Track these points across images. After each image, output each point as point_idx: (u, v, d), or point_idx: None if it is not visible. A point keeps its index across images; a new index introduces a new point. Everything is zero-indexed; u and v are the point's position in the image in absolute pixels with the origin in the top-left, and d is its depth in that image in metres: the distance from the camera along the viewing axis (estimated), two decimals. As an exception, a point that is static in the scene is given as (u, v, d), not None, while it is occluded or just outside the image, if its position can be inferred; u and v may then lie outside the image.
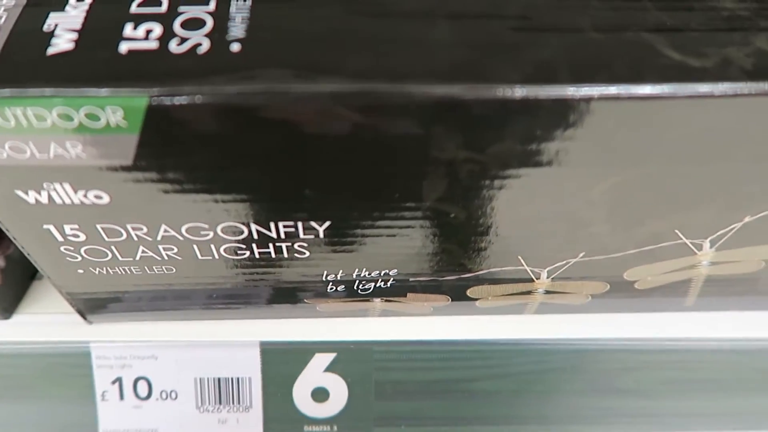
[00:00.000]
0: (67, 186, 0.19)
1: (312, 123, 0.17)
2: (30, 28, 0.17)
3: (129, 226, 0.21)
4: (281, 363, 0.28)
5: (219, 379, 0.28)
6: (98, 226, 0.20)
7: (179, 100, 0.16)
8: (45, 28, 0.17)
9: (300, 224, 0.21)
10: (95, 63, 0.16)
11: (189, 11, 0.18)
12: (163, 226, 0.21)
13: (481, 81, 0.16)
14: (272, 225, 0.21)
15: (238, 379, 0.28)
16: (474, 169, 0.19)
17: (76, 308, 0.26)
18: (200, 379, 0.28)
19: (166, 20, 0.18)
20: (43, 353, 0.27)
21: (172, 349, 0.28)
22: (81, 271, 0.23)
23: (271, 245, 0.22)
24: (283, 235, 0.21)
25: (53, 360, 0.27)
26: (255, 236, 0.21)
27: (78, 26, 0.17)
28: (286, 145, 0.17)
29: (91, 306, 0.26)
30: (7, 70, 0.16)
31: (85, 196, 0.19)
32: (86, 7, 0.18)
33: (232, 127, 0.17)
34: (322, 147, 0.18)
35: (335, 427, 0.28)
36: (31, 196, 0.19)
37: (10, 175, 0.18)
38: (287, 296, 0.25)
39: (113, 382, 0.28)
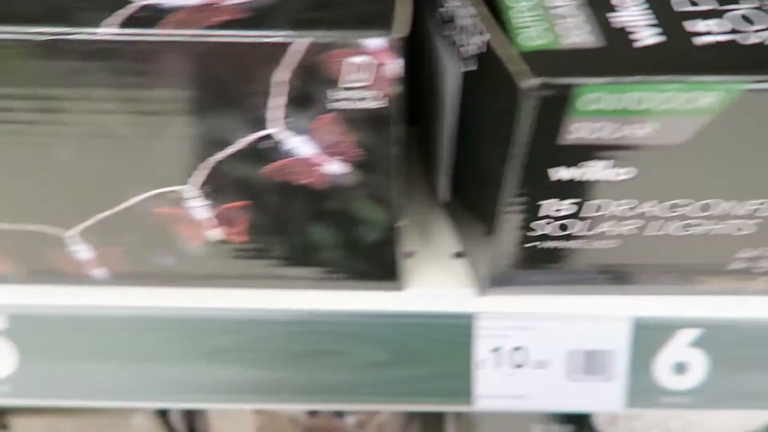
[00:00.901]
0: (609, 163, 0.21)
1: None
2: (600, 25, 0.20)
3: (618, 202, 0.23)
4: (647, 337, 0.30)
5: (589, 351, 0.30)
6: (590, 202, 0.23)
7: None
8: (612, 24, 0.20)
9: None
10: (692, 54, 0.19)
11: (736, 8, 0.20)
12: (650, 202, 0.23)
13: None
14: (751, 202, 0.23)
15: (606, 351, 0.30)
16: None
17: (482, 282, 0.28)
18: (571, 350, 0.30)
19: (715, 17, 0.20)
20: (430, 324, 0.30)
21: (548, 322, 0.30)
22: (528, 244, 0.25)
23: (728, 221, 0.24)
24: (750, 212, 0.23)
25: (439, 330, 0.30)
26: (720, 214, 0.23)
27: (647, 23, 0.20)
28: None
29: (498, 280, 0.28)
30: (610, 62, 0.19)
31: (616, 173, 0.21)
32: (640, 8, 0.20)
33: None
34: None
35: (691, 400, 0.30)
36: (558, 173, 0.22)
37: (568, 152, 0.21)
38: (682, 274, 0.28)
39: (492, 351, 0.30)
